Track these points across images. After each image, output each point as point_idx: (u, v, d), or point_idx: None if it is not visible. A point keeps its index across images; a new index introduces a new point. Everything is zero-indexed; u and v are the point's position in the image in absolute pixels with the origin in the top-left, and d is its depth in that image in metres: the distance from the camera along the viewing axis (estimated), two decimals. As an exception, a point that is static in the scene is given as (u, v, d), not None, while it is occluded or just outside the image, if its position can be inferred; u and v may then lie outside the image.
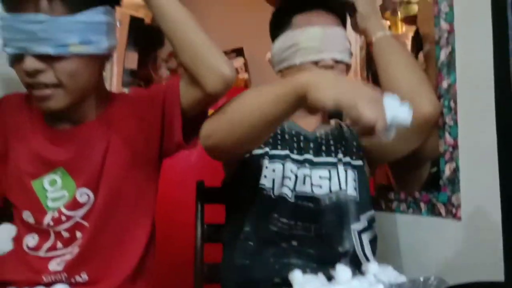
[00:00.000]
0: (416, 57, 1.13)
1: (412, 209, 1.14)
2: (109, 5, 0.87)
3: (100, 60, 0.89)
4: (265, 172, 1.01)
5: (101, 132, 0.92)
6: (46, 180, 0.90)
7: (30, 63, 0.80)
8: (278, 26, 1.10)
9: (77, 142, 0.91)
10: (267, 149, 1.03)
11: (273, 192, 1.00)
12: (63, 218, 0.90)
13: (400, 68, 1.03)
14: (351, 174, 1.04)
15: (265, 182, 1.00)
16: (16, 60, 0.82)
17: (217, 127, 0.89)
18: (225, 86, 0.87)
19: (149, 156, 0.96)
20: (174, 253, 1.49)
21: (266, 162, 1.02)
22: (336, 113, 0.97)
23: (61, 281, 0.88)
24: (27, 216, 0.91)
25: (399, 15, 1.25)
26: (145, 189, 0.96)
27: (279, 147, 1.04)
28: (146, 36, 2.43)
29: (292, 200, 1.00)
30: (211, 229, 1.17)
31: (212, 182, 1.21)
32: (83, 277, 0.89)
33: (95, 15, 0.84)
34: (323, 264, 0.93)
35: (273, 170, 1.01)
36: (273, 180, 1.00)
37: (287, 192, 0.99)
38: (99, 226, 0.90)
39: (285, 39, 1.06)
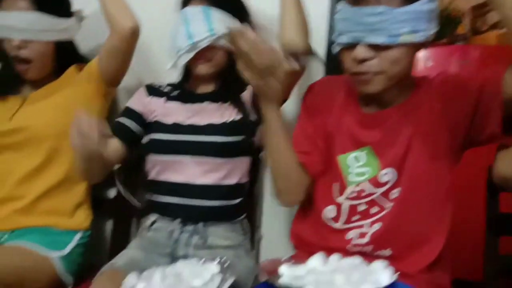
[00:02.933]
0: None
1: None
2: None
3: (419, 47, 0.90)
4: None
5: (407, 117, 0.94)
6: (351, 157, 0.97)
7: (361, 52, 0.86)
8: None
9: (385, 126, 0.95)
10: None
11: None
12: (363, 193, 0.96)
13: None
14: None
15: None
16: (346, 48, 0.90)
17: None
18: None
19: (452, 145, 0.93)
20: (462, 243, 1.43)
21: None
22: None
23: (365, 253, 0.95)
24: (336, 188, 1.00)
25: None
26: (445, 179, 0.95)
27: None
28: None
29: None
30: (505, 219, 1.07)
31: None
32: (387, 253, 0.95)
33: (424, 4, 0.85)
34: None
35: None
36: None
37: None
38: (401, 206, 0.93)
39: None
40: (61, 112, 1.25)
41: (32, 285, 1.11)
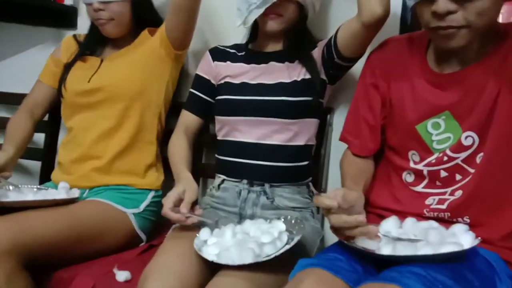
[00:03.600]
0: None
1: None
2: None
3: None
4: None
5: (493, 73, 0.85)
6: (429, 124, 0.91)
7: (443, 5, 0.78)
8: None
9: (464, 85, 0.87)
10: None
11: None
12: (445, 158, 0.91)
13: None
14: None
15: None
16: (425, 2, 0.82)
17: None
18: None
19: None
20: None
21: None
22: None
23: (442, 219, 0.91)
24: (412, 154, 0.96)
25: None
26: None
27: None
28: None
29: None
30: None
31: None
32: (465, 220, 0.90)
33: None
34: None
35: None
36: None
37: None
38: (483, 172, 0.87)
39: None
40: (136, 73, 1.30)
41: (111, 237, 1.18)
